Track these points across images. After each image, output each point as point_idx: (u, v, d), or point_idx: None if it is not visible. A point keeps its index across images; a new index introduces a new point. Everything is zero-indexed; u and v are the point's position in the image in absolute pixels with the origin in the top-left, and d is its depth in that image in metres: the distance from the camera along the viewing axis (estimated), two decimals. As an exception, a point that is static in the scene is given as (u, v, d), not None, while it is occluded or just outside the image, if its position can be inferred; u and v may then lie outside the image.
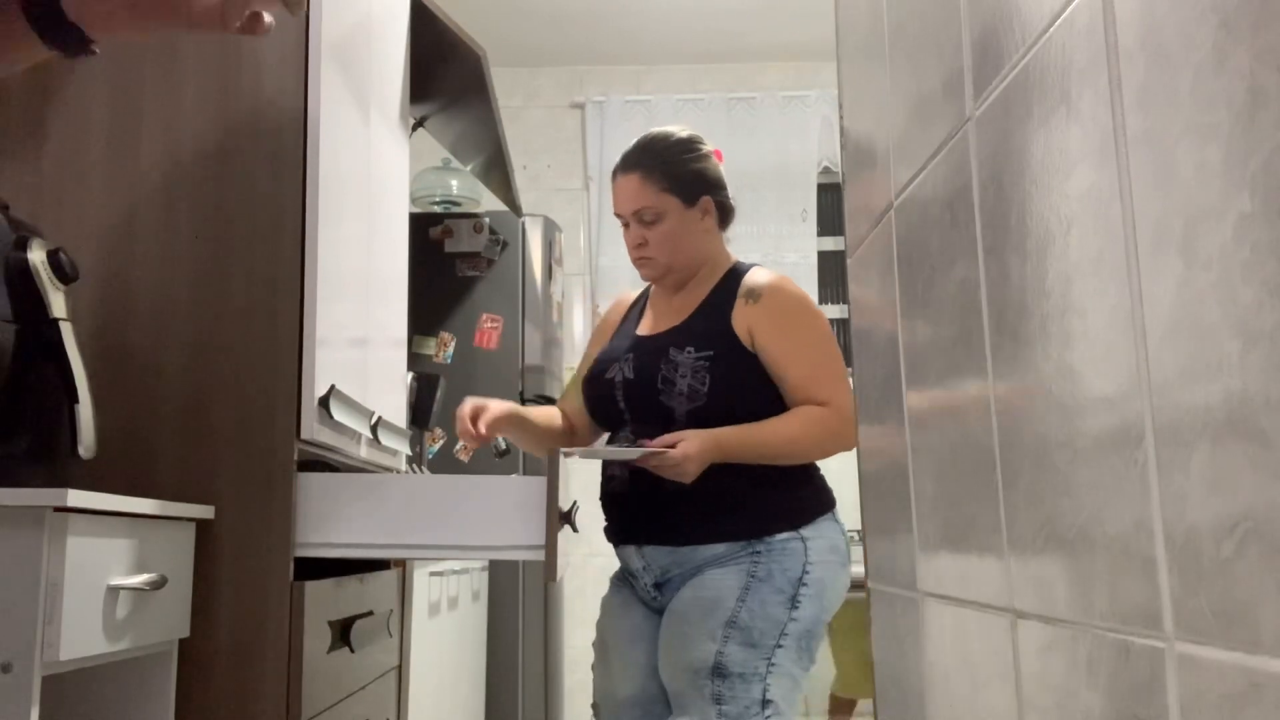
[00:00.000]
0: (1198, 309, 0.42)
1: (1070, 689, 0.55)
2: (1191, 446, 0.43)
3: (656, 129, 2.00)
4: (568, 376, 3.36)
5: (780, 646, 1.76)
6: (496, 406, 1.91)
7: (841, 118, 1.05)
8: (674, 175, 1.92)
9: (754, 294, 1.89)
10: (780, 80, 4.83)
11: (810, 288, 4.68)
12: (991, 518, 0.65)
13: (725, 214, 2.00)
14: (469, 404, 1.91)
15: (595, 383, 1.96)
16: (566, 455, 1.85)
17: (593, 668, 1.98)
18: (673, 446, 1.74)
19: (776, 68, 4.84)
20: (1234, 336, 0.40)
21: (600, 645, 1.97)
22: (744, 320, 1.86)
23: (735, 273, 1.96)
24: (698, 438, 1.74)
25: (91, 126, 1.63)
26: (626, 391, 1.89)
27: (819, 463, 1.91)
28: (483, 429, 1.87)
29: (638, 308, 2.07)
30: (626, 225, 1.96)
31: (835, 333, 5.50)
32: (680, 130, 1.99)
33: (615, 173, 1.97)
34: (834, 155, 4.77)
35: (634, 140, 2.00)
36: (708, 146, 2.00)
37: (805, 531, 1.82)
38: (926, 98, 0.77)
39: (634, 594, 1.94)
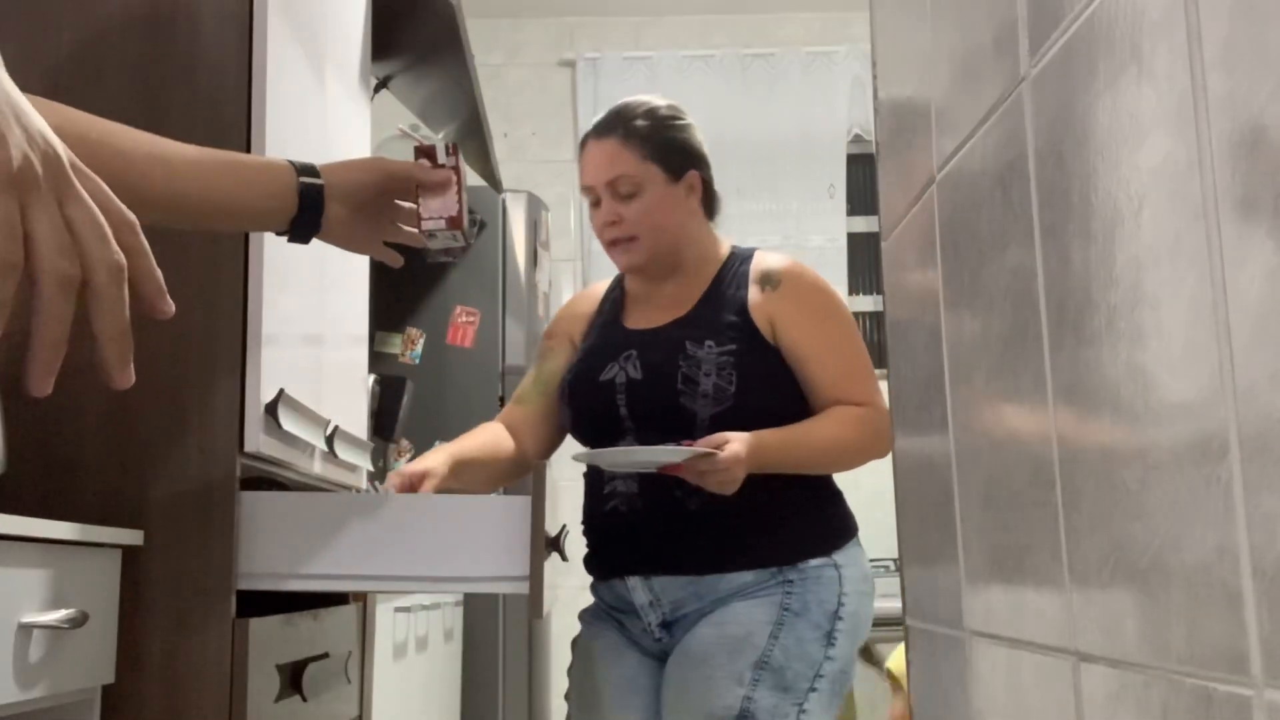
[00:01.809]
0: (1291, 300, 0.42)
1: (1142, 744, 0.55)
2: (1284, 461, 0.43)
3: (633, 97, 2.00)
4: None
5: (814, 690, 1.76)
6: (438, 467, 1.76)
7: (875, 77, 1.05)
8: (658, 143, 1.92)
9: (772, 280, 1.89)
10: (804, 34, 4.83)
11: (839, 274, 4.69)
12: (1050, 544, 0.65)
13: (712, 199, 2.00)
14: (398, 479, 1.72)
15: (585, 386, 1.92)
16: (577, 460, 1.83)
17: None
18: (718, 449, 1.71)
19: (799, 19, 4.84)
20: (1333, 333, 0.40)
21: (581, 697, 1.95)
22: (764, 310, 1.87)
23: (737, 257, 1.96)
24: (742, 440, 1.72)
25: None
26: (633, 395, 1.86)
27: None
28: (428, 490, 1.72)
29: (611, 299, 2.06)
30: (596, 202, 1.95)
31: (869, 327, 5.47)
32: (661, 99, 2.00)
33: (586, 139, 1.97)
34: (866, 121, 4.78)
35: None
36: (692, 119, 2.00)
37: (838, 558, 1.83)
38: (974, 54, 0.77)
39: (623, 636, 1.92)
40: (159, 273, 0.65)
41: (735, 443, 1.71)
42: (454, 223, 1.48)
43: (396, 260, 1.51)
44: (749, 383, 1.82)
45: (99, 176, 0.63)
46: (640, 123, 1.93)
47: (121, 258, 0.61)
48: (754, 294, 1.89)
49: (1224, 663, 0.47)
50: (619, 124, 1.94)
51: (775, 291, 1.88)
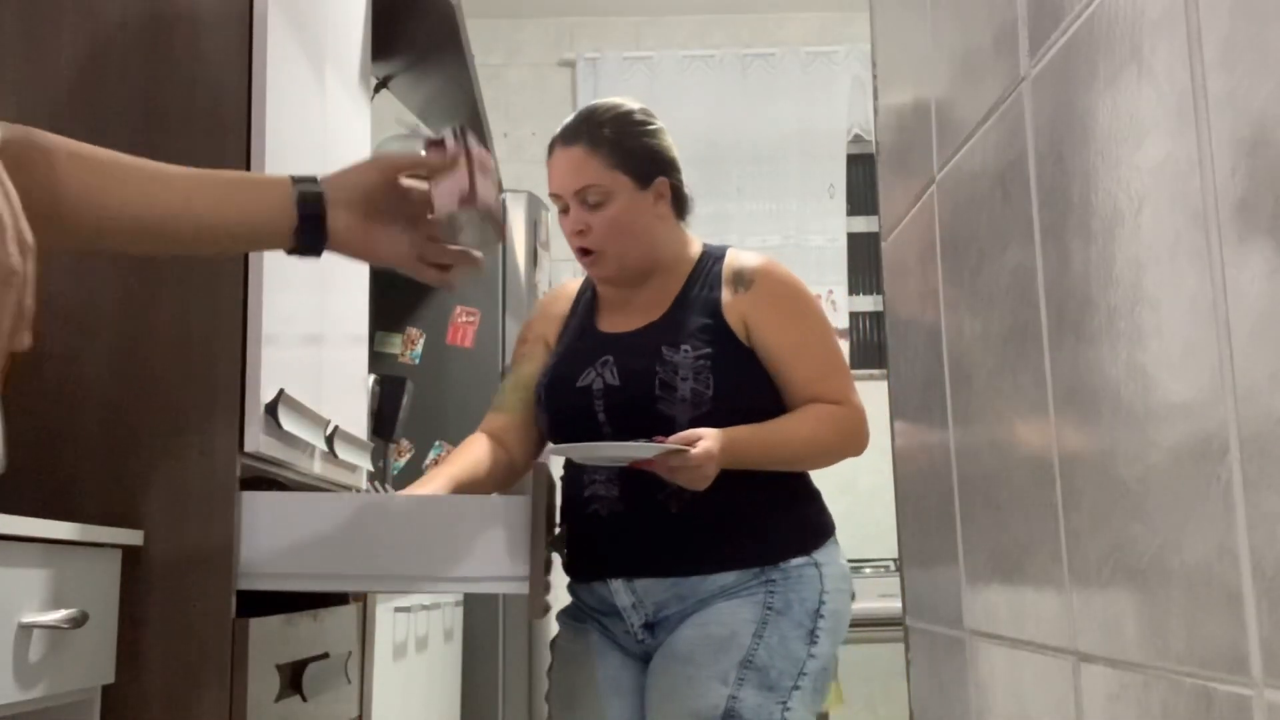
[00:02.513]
0: (1291, 300, 0.42)
1: (1142, 744, 0.55)
2: (1284, 461, 0.43)
3: (602, 100, 1.99)
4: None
5: (797, 688, 1.77)
6: (437, 493, 1.77)
7: (875, 77, 1.05)
8: (625, 150, 1.91)
9: (744, 279, 1.90)
10: (804, 34, 4.83)
11: (839, 275, 4.69)
12: (1050, 545, 0.65)
13: (682, 202, 1.99)
14: None
15: (562, 392, 1.91)
16: (551, 454, 1.83)
17: None
18: (690, 445, 1.71)
19: (799, 19, 4.84)
20: (1333, 332, 0.40)
21: (562, 699, 1.95)
22: (737, 310, 1.87)
23: (709, 257, 1.96)
24: (714, 437, 1.73)
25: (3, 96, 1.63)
26: (610, 400, 1.86)
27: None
28: None
29: (583, 299, 2.05)
30: (564, 210, 1.94)
31: (869, 327, 5.45)
32: (630, 101, 1.99)
33: (553, 146, 1.96)
34: (866, 121, 4.77)
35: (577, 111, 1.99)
36: (661, 123, 1.99)
37: (818, 556, 1.85)
38: (974, 54, 0.77)
39: (605, 637, 1.92)
40: (33, 303, 0.66)
41: (708, 439, 1.71)
42: (467, 200, 1.37)
43: (447, 283, 1.36)
44: (726, 386, 1.82)
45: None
46: (607, 130, 1.91)
47: (18, 263, 0.61)
48: (726, 295, 1.89)
49: (1224, 663, 0.47)
50: (585, 130, 1.92)
51: (748, 292, 1.88)
